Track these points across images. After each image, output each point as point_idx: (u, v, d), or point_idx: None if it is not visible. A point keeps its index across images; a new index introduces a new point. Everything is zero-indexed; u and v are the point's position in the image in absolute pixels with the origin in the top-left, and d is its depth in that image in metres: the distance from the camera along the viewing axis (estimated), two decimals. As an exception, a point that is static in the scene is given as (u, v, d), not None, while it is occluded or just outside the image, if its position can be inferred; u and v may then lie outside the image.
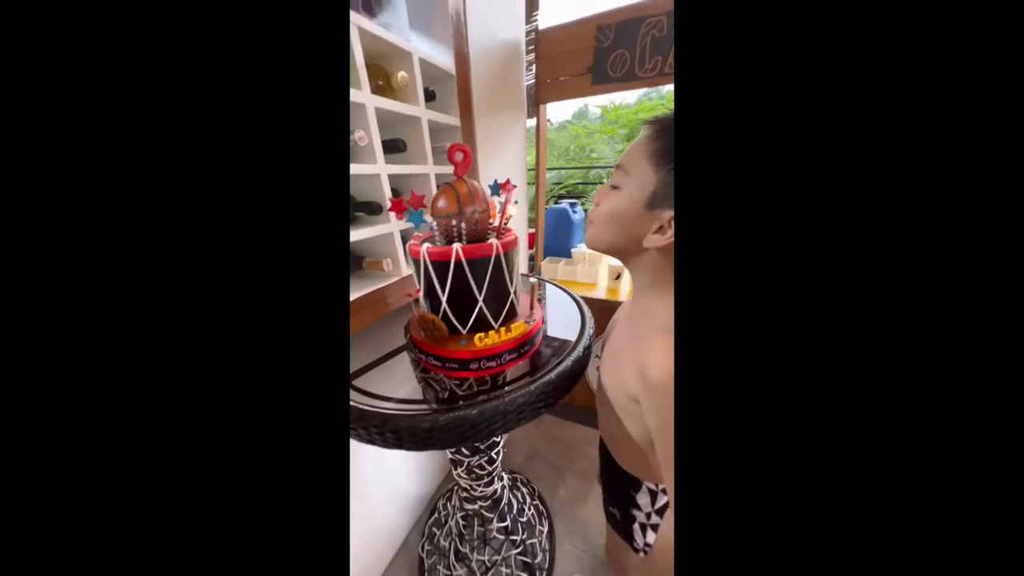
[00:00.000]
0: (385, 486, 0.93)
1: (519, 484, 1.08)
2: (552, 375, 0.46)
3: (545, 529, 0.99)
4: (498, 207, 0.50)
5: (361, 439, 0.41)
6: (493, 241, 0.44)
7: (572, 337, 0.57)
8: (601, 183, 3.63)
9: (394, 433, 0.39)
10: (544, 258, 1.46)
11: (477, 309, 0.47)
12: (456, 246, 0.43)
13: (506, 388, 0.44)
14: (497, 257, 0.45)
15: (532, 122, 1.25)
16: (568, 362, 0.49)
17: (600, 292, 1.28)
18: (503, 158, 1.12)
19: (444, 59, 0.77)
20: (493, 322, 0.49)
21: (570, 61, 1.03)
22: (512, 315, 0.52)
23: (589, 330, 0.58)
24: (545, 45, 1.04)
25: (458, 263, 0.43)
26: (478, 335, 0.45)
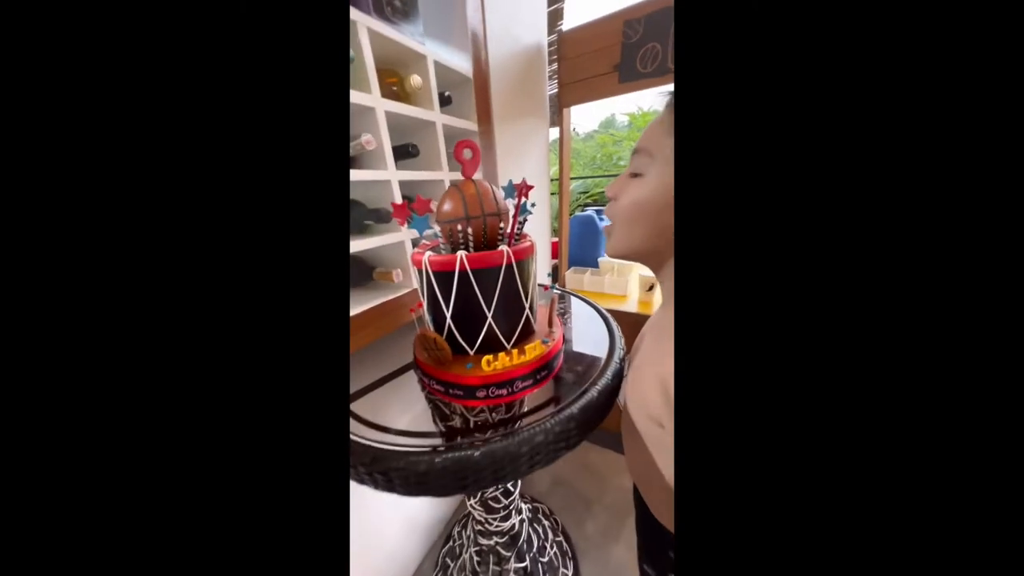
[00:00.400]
0: (395, 510, 0.88)
1: (541, 516, 0.98)
2: (574, 408, 0.38)
3: (570, 572, 0.88)
4: (511, 210, 0.44)
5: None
6: (504, 248, 0.38)
7: (600, 357, 0.49)
8: (629, 190, 3.44)
9: (384, 475, 0.33)
10: (568, 268, 1.38)
11: (485, 327, 0.41)
12: (460, 254, 0.37)
13: (519, 423, 0.37)
14: (508, 267, 0.39)
15: (556, 133, 1.20)
16: (594, 392, 0.41)
17: (631, 305, 1.18)
18: (524, 166, 1.08)
19: (462, 63, 0.74)
20: (505, 342, 0.43)
21: (595, 60, 0.97)
22: (527, 334, 0.45)
23: (619, 351, 0.50)
24: (568, 47, 1.00)
25: (463, 273, 0.38)
26: (486, 358, 0.39)
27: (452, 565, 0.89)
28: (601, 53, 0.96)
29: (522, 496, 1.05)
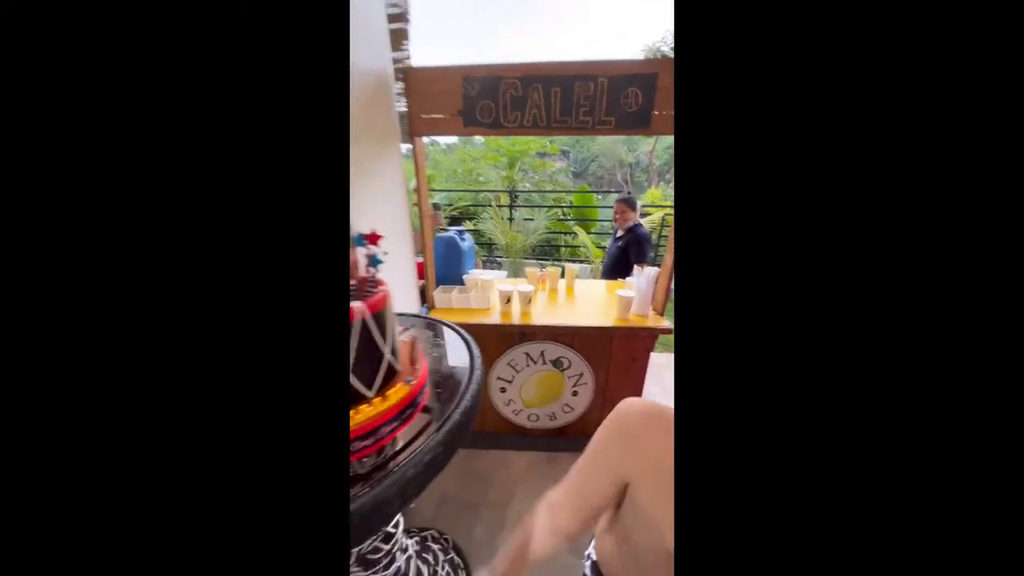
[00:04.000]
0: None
1: (429, 543, 0.98)
2: (440, 435, 0.43)
3: (462, 583, 0.93)
4: (362, 261, 0.45)
5: None
6: (356, 304, 0.40)
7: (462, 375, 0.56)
8: (490, 205, 3.81)
9: None
10: (436, 287, 1.43)
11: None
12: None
13: (390, 465, 0.39)
14: (363, 321, 0.40)
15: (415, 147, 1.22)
16: (457, 415, 0.47)
17: (495, 317, 1.33)
18: (379, 182, 1.06)
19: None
20: (366, 391, 0.44)
21: (442, 101, 1.08)
22: (391, 377, 0.47)
23: (478, 372, 0.59)
24: (415, 82, 1.07)
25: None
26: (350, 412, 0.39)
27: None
28: (446, 96, 1.07)
29: (407, 531, 1.01)
